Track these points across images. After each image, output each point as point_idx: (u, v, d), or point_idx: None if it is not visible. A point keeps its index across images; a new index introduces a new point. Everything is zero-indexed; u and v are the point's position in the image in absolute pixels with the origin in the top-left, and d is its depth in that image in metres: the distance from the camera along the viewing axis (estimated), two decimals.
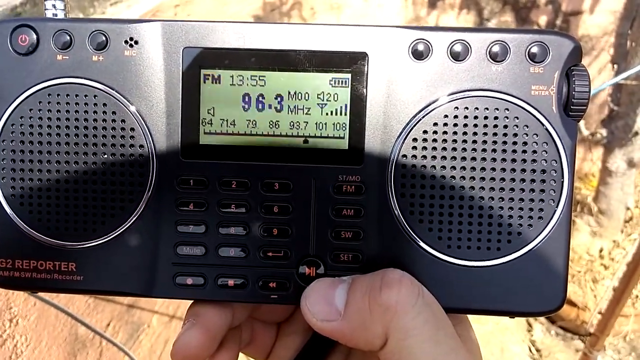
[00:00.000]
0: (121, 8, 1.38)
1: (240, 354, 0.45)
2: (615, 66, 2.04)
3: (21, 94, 0.40)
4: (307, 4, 2.29)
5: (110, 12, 1.36)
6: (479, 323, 2.24)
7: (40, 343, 1.19)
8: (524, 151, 0.38)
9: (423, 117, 0.39)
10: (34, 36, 0.40)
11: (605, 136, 2.15)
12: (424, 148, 0.39)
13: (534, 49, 0.38)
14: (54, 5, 0.41)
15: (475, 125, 0.38)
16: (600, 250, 2.35)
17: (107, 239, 0.40)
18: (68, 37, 0.40)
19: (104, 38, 0.39)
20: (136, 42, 0.39)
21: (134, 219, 0.40)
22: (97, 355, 1.43)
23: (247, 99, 0.40)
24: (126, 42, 0.40)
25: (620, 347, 2.26)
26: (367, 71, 0.39)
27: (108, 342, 1.44)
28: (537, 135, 0.38)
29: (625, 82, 1.95)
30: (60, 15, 0.41)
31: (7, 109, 0.40)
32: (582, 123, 2.25)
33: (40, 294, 1.04)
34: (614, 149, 2.16)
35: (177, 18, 1.50)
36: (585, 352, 1.78)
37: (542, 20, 2.58)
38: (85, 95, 0.40)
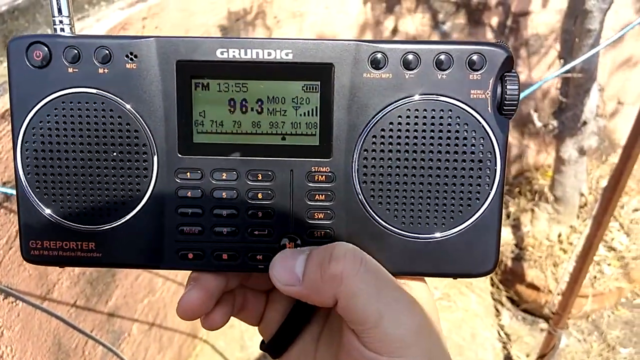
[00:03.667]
0: (90, 22, 1.41)
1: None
2: (562, 61, 2.16)
3: (39, 101, 0.46)
4: (271, 13, 2.35)
5: (79, 27, 1.38)
6: (449, 311, 2.31)
7: (25, 353, 1.19)
8: (464, 145, 0.45)
9: (380, 117, 0.45)
10: (47, 51, 0.45)
11: (556, 127, 2.26)
12: (382, 143, 0.45)
13: (474, 58, 0.44)
14: (61, 22, 0.47)
15: (424, 124, 0.45)
16: (559, 236, 2.44)
17: (119, 223, 0.47)
18: (76, 52, 0.45)
19: (107, 52, 0.45)
20: (135, 56, 0.45)
21: (142, 205, 0.47)
22: None
23: (232, 103, 0.46)
24: (127, 56, 0.45)
25: (583, 327, 2.37)
26: (334, 79, 0.45)
27: (92, 347, 1.45)
28: (475, 132, 0.45)
29: (571, 75, 2.06)
30: (67, 30, 0.47)
31: (27, 115, 0.46)
32: (535, 116, 2.37)
33: (30, 300, 1.06)
34: (565, 139, 2.26)
35: (146, 30, 1.53)
36: (550, 330, 1.89)
37: (494, 21, 2.69)
38: (94, 102, 0.46)
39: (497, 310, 2.46)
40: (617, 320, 2.39)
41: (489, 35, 2.69)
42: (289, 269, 0.44)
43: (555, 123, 2.23)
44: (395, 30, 2.73)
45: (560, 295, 1.89)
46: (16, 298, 1.08)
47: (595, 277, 2.32)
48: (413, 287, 0.47)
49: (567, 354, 2.25)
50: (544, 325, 2.36)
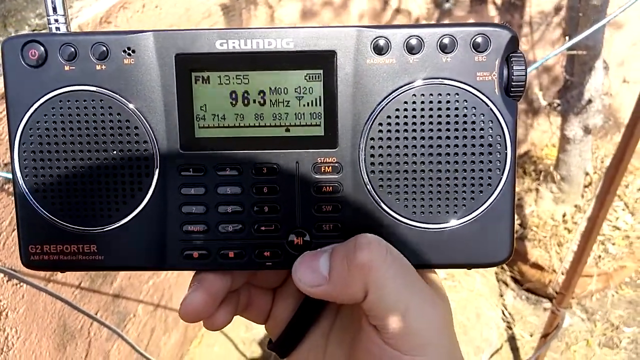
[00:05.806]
0: (89, 0, 1.39)
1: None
2: (567, 38, 2.13)
3: (36, 101, 0.44)
4: None
5: (77, 6, 1.37)
6: (454, 291, 2.32)
7: (30, 335, 1.20)
8: (473, 129, 0.44)
9: (386, 104, 0.44)
10: (42, 50, 0.44)
11: (561, 105, 2.24)
12: (389, 131, 0.44)
13: (478, 40, 0.43)
14: (56, 20, 0.45)
15: (431, 109, 0.44)
16: (564, 215, 2.43)
17: (121, 223, 0.46)
18: (73, 49, 0.44)
19: (104, 49, 0.44)
20: (133, 51, 0.44)
21: (144, 204, 0.46)
22: (85, 346, 1.44)
23: (234, 96, 0.45)
24: (124, 51, 0.44)
25: (587, 306, 2.38)
26: (336, 67, 0.44)
27: (98, 328, 1.46)
28: (483, 115, 0.44)
29: (576, 53, 2.03)
30: (63, 28, 0.46)
31: (24, 115, 0.45)
32: (539, 94, 2.35)
33: (34, 282, 1.06)
34: (570, 117, 2.24)
35: (146, 8, 1.51)
36: (553, 310, 1.88)
37: None
38: (93, 100, 0.45)
39: (501, 290, 2.46)
40: (621, 300, 2.40)
41: (493, 13, 2.65)
42: (313, 269, 0.43)
43: (559, 101, 2.20)
44: (398, 10, 2.70)
45: (564, 274, 1.89)
46: (20, 280, 1.08)
47: (599, 257, 2.32)
48: (430, 281, 0.45)
49: (571, 333, 2.26)
50: (547, 304, 2.36)
